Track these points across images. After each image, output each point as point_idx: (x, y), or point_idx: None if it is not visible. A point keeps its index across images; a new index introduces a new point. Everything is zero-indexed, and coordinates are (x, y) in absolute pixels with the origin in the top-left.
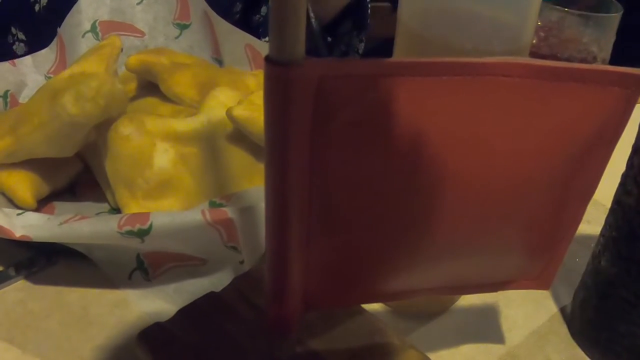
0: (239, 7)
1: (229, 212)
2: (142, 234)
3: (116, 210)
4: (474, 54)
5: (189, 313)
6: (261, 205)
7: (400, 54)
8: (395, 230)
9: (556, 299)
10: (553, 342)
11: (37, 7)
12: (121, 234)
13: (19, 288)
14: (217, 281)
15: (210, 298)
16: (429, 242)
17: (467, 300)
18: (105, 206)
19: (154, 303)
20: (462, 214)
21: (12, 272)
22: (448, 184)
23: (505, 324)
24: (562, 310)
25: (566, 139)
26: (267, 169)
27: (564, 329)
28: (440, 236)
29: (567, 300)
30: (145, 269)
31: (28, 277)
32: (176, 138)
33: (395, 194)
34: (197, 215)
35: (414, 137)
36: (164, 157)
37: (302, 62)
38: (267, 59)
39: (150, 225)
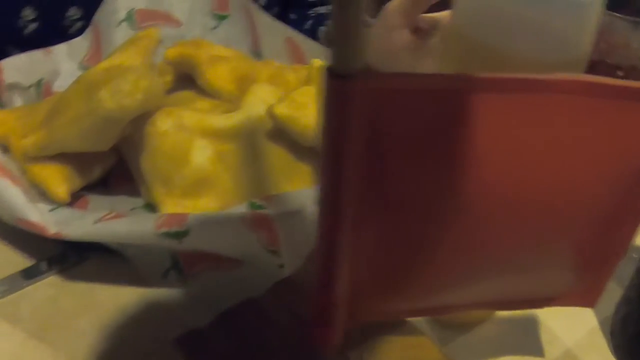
0: None
1: (270, 215)
2: (180, 235)
3: (151, 205)
4: (528, 62)
5: (227, 319)
6: (305, 211)
7: (448, 59)
8: (446, 244)
9: (596, 311)
10: (592, 357)
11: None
12: (158, 235)
13: (50, 284)
14: (254, 284)
15: (248, 304)
16: (479, 257)
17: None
18: (139, 201)
19: (187, 304)
20: (515, 230)
21: (44, 266)
22: (502, 200)
23: (545, 337)
24: (602, 323)
25: (623, 157)
26: (321, 177)
27: (603, 343)
28: (491, 251)
29: (607, 313)
30: (180, 268)
31: (59, 273)
32: (215, 135)
33: (448, 207)
34: (236, 218)
35: (470, 153)
36: (202, 154)
37: (362, 75)
38: (329, 70)
39: (188, 227)
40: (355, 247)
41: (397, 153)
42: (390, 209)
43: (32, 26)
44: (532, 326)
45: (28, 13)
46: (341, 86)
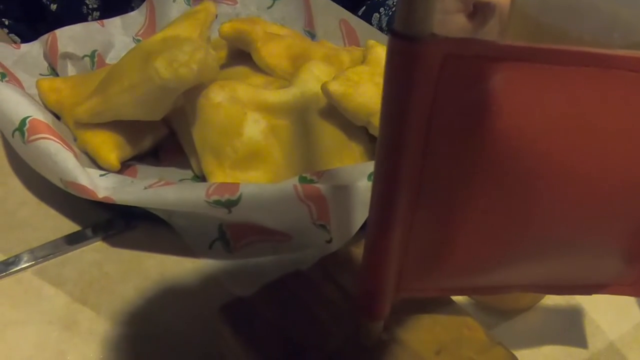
0: None
1: (322, 189)
2: (231, 204)
3: (200, 177)
4: (592, 45)
5: (274, 289)
6: (357, 185)
7: (511, 39)
8: (499, 222)
9: None
10: (636, 352)
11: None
12: (208, 203)
13: (96, 249)
14: (300, 259)
15: (296, 275)
16: (531, 238)
17: (552, 299)
18: (188, 173)
19: (233, 276)
20: (568, 211)
21: (89, 232)
22: (558, 178)
23: (589, 328)
24: None
25: None
26: (380, 144)
27: None
28: (542, 232)
29: None
30: (227, 240)
31: (105, 239)
32: (268, 109)
33: (505, 184)
34: (288, 189)
35: (532, 126)
36: (254, 128)
37: (429, 39)
38: (393, 31)
39: (240, 196)
40: (408, 222)
41: (460, 123)
42: (448, 181)
43: (96, 14)
44: (576, 317)
45: (92, 1)
46: (406, 48)
